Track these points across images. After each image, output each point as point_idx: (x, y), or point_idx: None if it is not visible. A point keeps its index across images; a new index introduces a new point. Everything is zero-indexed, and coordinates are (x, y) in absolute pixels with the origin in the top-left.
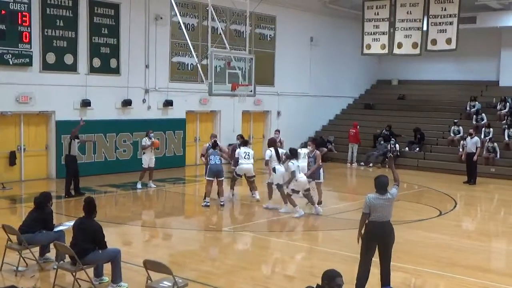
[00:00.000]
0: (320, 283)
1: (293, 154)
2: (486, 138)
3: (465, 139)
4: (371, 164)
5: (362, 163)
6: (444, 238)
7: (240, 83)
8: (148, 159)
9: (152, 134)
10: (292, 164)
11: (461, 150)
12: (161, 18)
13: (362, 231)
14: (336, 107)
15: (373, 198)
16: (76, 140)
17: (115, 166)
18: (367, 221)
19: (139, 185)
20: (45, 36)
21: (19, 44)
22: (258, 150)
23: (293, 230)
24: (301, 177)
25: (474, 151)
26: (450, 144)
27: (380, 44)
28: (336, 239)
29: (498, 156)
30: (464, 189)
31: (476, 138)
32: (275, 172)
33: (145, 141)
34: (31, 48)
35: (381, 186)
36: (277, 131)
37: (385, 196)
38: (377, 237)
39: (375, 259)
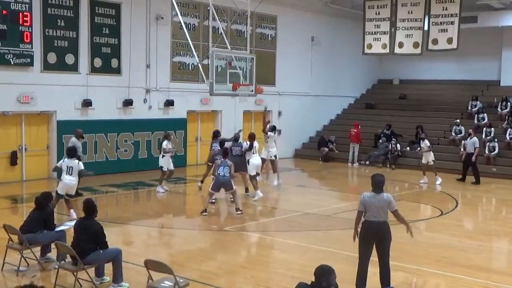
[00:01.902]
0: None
1: (69, 151)
2: (487, 137)
3: (466, 139)
4: (367, 162)
5: (367, 162)
6: (445, 237)
7: (241, 83)
8: (167, 162)
9: (171, 137)
10: (63, 161)
11: (462, 149)
12: (162, 18)
13: (359, 230)
14: (337, 106)
15: (367, 196)
16: (81, 140)
17: (116, 166)
18: (363, 220)
19: (161, 189)
20: (46, 36)
21: (20, 44)
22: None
23: (294, 230)
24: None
25: (473, 151)
26: (451, 144)
27: (381, 44)
28: (336, 239)
29: (497, 151)
30: (465, 188)
31: (475, 138)
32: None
33: (167, 144)
34: (32, 48)
35: (376, 184)
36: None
37: (380, 196)
38: (372, 237)
39: (374, 258)
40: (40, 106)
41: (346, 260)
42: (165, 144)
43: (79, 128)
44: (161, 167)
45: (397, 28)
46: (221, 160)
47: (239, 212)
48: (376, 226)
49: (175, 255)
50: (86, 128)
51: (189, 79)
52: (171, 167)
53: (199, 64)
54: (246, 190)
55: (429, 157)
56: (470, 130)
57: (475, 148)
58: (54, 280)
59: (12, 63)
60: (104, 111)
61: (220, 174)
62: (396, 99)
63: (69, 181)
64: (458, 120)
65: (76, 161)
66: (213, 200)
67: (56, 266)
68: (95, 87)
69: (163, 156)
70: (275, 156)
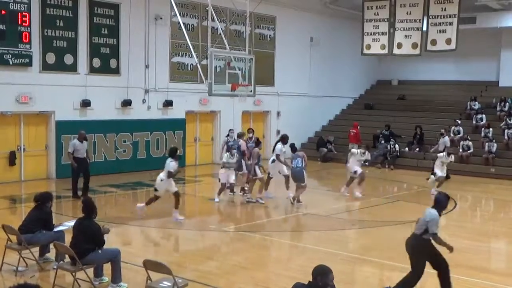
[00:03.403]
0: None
1: (169, 151)
2: (486, 138)
3: (465, 139)
4: (367, 164)
5: (366, 163)
6: (444, 238)
7: (240, 83)
8: (225, 175)
9: (234, 152)
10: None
11: (460, 150)
12: (161, 18)
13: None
14: (336, 107)
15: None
16: (85, 142)
17: (115, 166)
18: None
19: (217, 198)
20: (45, 36)
21: (19, 44)
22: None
23: (293, 230)
24: None
25: (442, 150)
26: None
27: (380, 45)
28: (335, 239)
29: (495, 151)
30: (464, 189)
31: (446, 138)
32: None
33: (227, 158)
34: (31, 48)
35: (434, 201)
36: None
37: (427, 211)
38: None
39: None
40: (39, 106)
41: (345, 260)
42: (226, 157)
43: (82, 130)
44: (219, 179)
45: (396, 29)
46: (294, 153)
47: (299, 203)
48: (409, 238)
49: (174, 255)
50: (85, 128)
51: (188, 80)
52: (232, 180)
53: (198, 65)
54: (241, 190)
55: (445, 170)
56: (442, 130)
57: (445, 147)
58: (52, 280)
59: (10, 63)
60: (103, 111)
61: (294, 166)
62: (395, 99)
63: (157, 176)
64: (459, 121)
65: (168, 160)
66: (262, 202)
67: (55, 267)
68: (94, 87)
69: (222, 167)
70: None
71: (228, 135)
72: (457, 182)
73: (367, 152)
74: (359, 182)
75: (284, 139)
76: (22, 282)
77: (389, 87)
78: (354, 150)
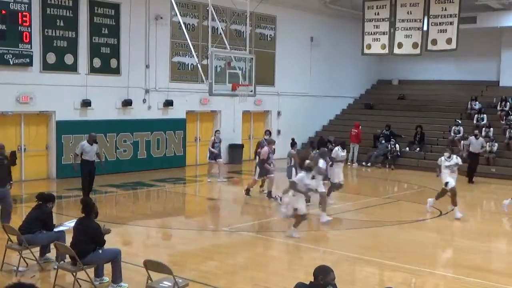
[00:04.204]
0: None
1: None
2: (487, 138)
3: (466, 138)
4: (369, 164)
5: (369, 164)
6: (444, 238)
7: (240, 83)
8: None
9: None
10: None
11: (462, 149)
12: (161, 18)
13: None
14: (337, 107)
15: None
16: (95, 145)
17: (115, 166)
18: None
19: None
20: (46, 36)
21: (20, 44)
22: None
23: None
24: None
25: (479, 151)
26: (450, 144)
27: (380, 44)
28: (336, 239)
29: (496, 151)
30: (464, 189)
31: (481, 139)
32: None
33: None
34: (31, 48)
35: None
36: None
37: None
38: None
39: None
40: (39, 106)
41: (345, 260)
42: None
43: (92, 132)
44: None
45: (396, 29)
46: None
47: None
48: None
49: (174, 255)
50: (85, 128)
51: (188, 79)
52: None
53: (198, 64)
54: (247, 192)
55: None
56: (476, 131)
57: (482, 147)
58: (53, 280)
59: (11, 63)
60: (103, 111)
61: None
62: (395, 99)
63: None
64: (459, 120)
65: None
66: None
67: (56, 267)
68: (94, 87)
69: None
70: None
71: (214, 135)
72: (458, 181)
73: (454, 156)
74: (451, 198)
75: (343, 144)
76: (17, 281)
77: (390, 86)
78: (439, 159)
